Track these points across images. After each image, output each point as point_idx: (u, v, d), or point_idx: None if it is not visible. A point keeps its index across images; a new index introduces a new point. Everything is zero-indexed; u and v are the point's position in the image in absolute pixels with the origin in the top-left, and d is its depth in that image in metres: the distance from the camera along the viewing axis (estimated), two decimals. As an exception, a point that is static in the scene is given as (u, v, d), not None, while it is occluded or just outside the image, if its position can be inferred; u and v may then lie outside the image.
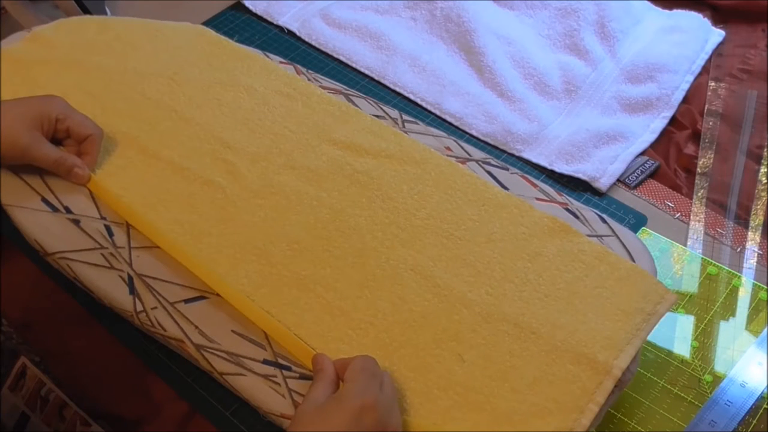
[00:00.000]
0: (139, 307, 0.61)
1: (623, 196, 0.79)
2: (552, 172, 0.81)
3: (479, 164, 0.73)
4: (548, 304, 0.61)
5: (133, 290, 0.62)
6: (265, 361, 0.59)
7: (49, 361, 0.66)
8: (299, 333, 0.59)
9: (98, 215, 0.67)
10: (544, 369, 0.57)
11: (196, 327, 0.60)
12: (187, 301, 0.62)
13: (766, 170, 0.81)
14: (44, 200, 0.68)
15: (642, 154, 0.83)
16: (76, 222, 0.66)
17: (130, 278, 0.63)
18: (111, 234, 0.66)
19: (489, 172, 0.72)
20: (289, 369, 0.58)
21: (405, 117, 0.78)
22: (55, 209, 0.67)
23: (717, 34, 0.97)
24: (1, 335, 0.67)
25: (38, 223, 0.66)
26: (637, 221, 0.77)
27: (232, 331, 0.60)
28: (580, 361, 0.57)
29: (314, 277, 0.63)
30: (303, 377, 0.58)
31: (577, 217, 0.68)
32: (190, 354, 0.60)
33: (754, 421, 0.62)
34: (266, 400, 0.57)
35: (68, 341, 0.67)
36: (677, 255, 0.74)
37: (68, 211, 0.67)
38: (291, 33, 0.97)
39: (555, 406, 0.55)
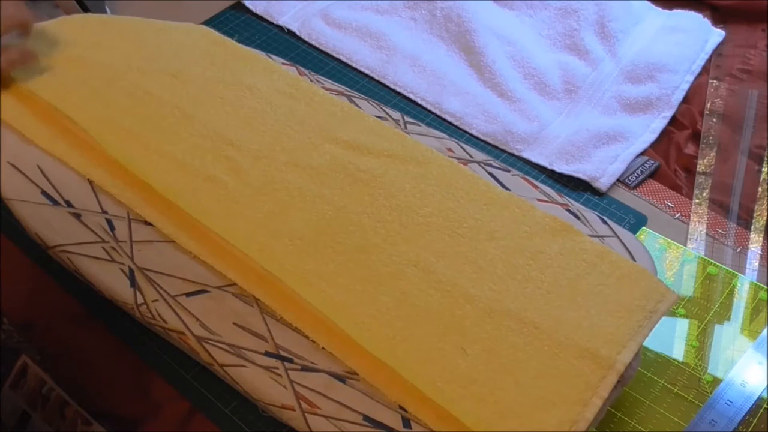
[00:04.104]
0: (140, 300, 0.61)
1: (623, 196, 0.80)
2: (552, 171, 0.81)
3: (481, 166, 0.73)
4: (551, 300, 0.61)
5: (134, 283, 0.62)
6: (267, 353, 0.58)
7: (50, 359, 0.65)
8: (300, 326, 0.59)
9: (99, 209, 0.67)
10: (548, 363, 0.57)
11: (197, 319, 0.60)
12: (188, 294, 0.61)
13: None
14: (45, 194, 0.67)
15: (642, 154, 0.83)
16: (77, 216, 0.66)
17: (131, 271, 0.63)
18: (112, 228, 0.65)
19: (491, 174, 0.72)
20: (290, 361, 0.58)
21: (407, 119, 0.78)
22: (55, 203, 0.67)
23: (717, 34, 0.98)
24: (1, 334, 0.66)
25: (39, 217, 0.66)
26: (637, 221, 0.77)
27: (234, 323, 0.60)
28: (583, 355, 0.57)
29: (317, 272, 0.62)
30: (305, 369, 0.57)
31: (578, 217, 0.68)
32: (190, 346, 0.59)
33: (755, 421, 0.62)
34: (267, 391, 0.57)
35: (69, 340, 0.67)
36: (677, 255, 0.74)
37: (69, 204, 0.67)
38: (291, 33, 0.97)
39: (559, 399, 0.55)
